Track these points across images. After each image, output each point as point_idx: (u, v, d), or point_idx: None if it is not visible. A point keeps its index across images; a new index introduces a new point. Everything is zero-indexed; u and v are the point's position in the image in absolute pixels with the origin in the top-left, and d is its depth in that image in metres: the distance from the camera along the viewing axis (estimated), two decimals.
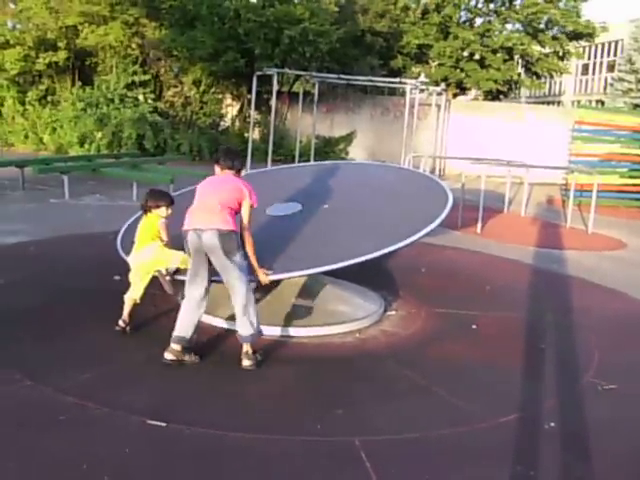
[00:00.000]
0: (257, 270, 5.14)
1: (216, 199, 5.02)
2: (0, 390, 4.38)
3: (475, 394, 4.81)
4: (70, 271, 7.42)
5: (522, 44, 26.52)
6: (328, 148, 23.67)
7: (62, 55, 22.42)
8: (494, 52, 27.04)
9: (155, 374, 4.81)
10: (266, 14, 20.74)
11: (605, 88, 39.89)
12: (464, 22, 28.24)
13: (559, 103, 43.51)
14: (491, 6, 27.80)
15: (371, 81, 21.09)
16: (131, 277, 5.60)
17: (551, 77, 32.53)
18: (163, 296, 5.76)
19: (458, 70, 27.45)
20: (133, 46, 22.52)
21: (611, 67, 41.47)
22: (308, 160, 21.36)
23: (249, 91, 23.81)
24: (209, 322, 5.75)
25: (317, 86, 21.23)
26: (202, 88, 23.63)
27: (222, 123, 24.99)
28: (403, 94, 26.35)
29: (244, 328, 4.99)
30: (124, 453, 3.67)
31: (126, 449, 3.71)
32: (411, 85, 19.82)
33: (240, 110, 24.91)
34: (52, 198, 12.51)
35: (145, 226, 5.57)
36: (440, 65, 27.81)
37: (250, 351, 4.99)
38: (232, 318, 5.23)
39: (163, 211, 5.55)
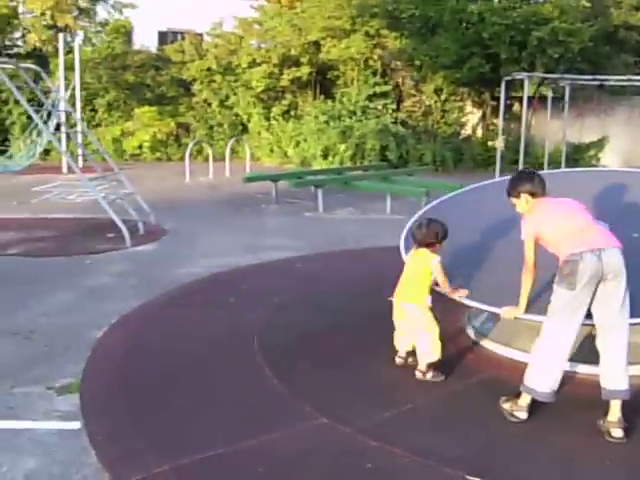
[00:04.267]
0: None
1: (585, 216, 4.27)
2: (298, 428, 4.04)
3: None
4: (342, 291, 7.11)
5: None
6: (577, 155, 22.12)
7: (305, 70, 22.93)
8: None
9: (462, 416, 4.25)
10: (512, 16, 19.76)
11: None
12: None
13: None
14: None
15: (630, 80, 19.37)
16: (395, 321, 4.97)
17: None
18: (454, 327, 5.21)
19: None
20: (374, 57, 22.51)
21: None
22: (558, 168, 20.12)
23: (492, 97, 22.98)
24: (508, 355, 5.12)
25: (568, 89, 19.87)
26: (443, 96, 23.10)
27: (462, 132, 24.29)
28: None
29: (622, 379, 4.05)
30: None
31: None
32: None
33: (482, 117, 24.06)
34: (306, 212, 12.55)
35: (412, 267, 4.87)
36: None
37: (620, 415, 4.02)
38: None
39: (437, 247, 4.81)
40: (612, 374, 4.05)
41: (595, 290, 4.02)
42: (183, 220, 11.40)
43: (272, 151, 23.27)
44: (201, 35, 26.03)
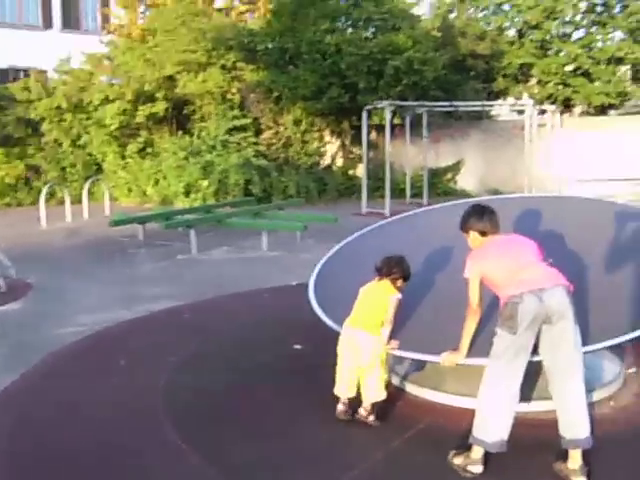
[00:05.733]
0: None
1: (530, 255, 4.02)
2: None
3: None
4: (240, 342, 6.55)
5: (632, 52, 25.07)
6: (436, 179, 22.64)
7: (161, 106, 22.15)
8: (602, 64, 25.64)
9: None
10: (368, 46, 20.02)
11: None
12: (564, 36, 26.93)
13: None
14: (592, 17, 26.46)
15: (485, 106, 20.08)
16: (340, 353, 4.57)
17: None
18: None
19: (564, 86, 26.12)
20: (232, 90, 22.10)
21: None
22: (419, 194, 20.41)
23: (351, 126, 23.14)
24: (438, 400, 4.80)
25: (425, 116, 20.31)
26: (303, 127, 23.00)
27: (322, 161, 24.29)
28: (490, 117, 25.40)
29: (582, 427, 3.79)
30: None
31: None
32: (528, 107, 18.66)
33: (342, 146, 24.17)
34: (179, 254, 11.85)
35: (372, 295, 4.55)
36: (544, 83, 26.51)
37: (581, 463, 3.73)
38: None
39: (400, 283, 4.58)
40: (570, 422, 3.79)
41: (539, 332, 3.77)
42: (48, 272, 10.43)
43: (130, 190, 22.26)
44: (46, 72, 24.69)
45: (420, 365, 5.08)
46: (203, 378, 5.53)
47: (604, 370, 5.30)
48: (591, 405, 4.39)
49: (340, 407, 4.52)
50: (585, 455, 3.75)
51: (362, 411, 4.43)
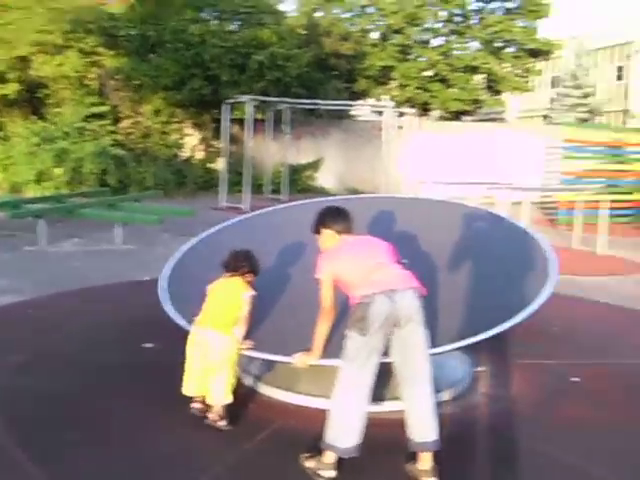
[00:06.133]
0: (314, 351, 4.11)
1: (383, 256, 3.99)
2: None
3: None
4: (88, 340, 6.19)
5: (487, 63, 26.23)
6: (296, 175, 22.77)
7: (12, 87, 21.01)
8: (459, 71, 26.66)
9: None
10: (233, 39, 19.84)
11: (550, 103, 40.03)
12: (424, 42, 27.81)
13: (503, 120, 43.36)
14: (451, 26, 27.46)
15: (346, 105, 20.35)
16: (189, 353, 4.39)
17: (514, 95, 32.39)
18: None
19: (422, 91, 26.95)
20: (91, 76, 21.26)
21: (553, 83, 41.67)
22: (279, 190, 20.44)
23: (212, 120, 22.83)
24: (291, 401, 4.73)
25: (288, 112, 20.36)
26: (163, 118, 22.46)
27: (182, 154, 23.83)
28: (351, 117, 25.91)
29: (430, 430, 3.79)
30: None
31: None
32: (388, 108, 19.06)
33: (202, 139, 23.81)
34: (26, 246, 11.24)
35: (222, 293, 4.40)
36: (404, 86, 27.26)
37: (431, 464, 3.75)
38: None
39: (250, 278, 4.48)
40: (418, 425, 3.79)
41: (390, 335, 3.76)
42: None
43: None
44: None
45: (273, 365, 4.99)
46: (44, 379, 5.18)
47: (453, 370, 5.41)
48: (441, 405, 4.46)
49: (195, 405, 4.36)
50: (436, 455, 3.78)
51: (212, 415, 4.28)
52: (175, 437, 4.22)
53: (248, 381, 5.00)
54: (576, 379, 5.56)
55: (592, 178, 18.48)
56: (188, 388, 4.36)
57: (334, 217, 4.12)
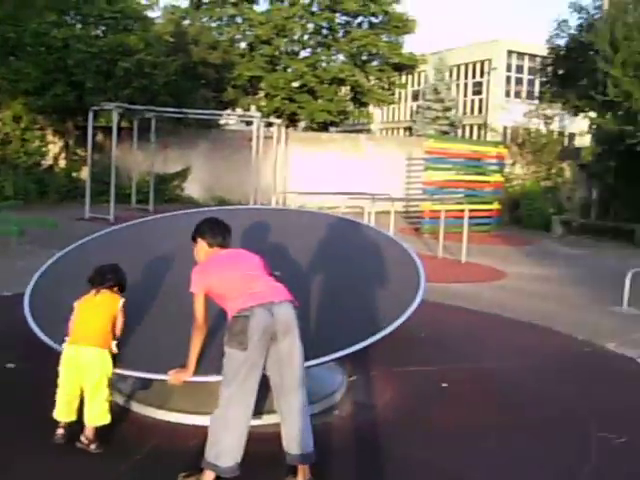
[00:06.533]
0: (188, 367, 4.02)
1: (258, 268, 3.97)
2: None
3: (510, 474, 4.12)
4: None
5: (353, 75, 26.79)
6: (163, 185, 22.35)
7: None
8: (326, 83, 27.09)
9: None
10: (98, 44, 19.26)
11: (411, 116, 41.42)
12: (292, 54, 28.08)
13: (368, 131, 44.50)
14: (318, 38, 27.86)
15: (214, 115, 20.18)
16: (62, 374, 4.14)
17: (379, 107, 33.24)
18: None
19: (290, 102, 27.19)
20: None
21: (415, 96, 43.11)
22: (146, 200, 19.99)
23: (76, 127, 22.07)
24: (165, 418, 4.61)
25: (154, 121, 19.97)
26: (23, 124, 21.48)
27: (43, 162, 22.87)
28: (219, 126, 25.81)
29: (306, 443, 3.78)
30: None
31: None
32: (256, 119, 19.07)
33: (65, 147, 22.96)
34: None
35: (92, 308, 4.21)
36: (272, 97, 27.40)
37: (310, 477, 3.77)
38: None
39: (116, 292, 4.34)
40: (294, 438, 3.78)
41: (268, 348, 3.74)
42: None
43: None
44: None
45: (145, 383, 4.85)
46: None
47: (327, 380, 5.45)
48: (316, 416, 4.50)
49: (60, 432, 4.13)
50: (313, 467, 3.79)
51: (84, 439, 4.08)
52: (42, 463, 4.00)
53: (120, 400, 4.83)
54: (445, 384, 5.75)
55: (453, 188, 19.24)
56: (59, 413, 4.15)
57: (211, 229, 4.09)
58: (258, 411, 4.11)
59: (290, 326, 3.75)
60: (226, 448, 3.65)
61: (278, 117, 25.92)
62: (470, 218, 14.40)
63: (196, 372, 4.01)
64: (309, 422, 3.85)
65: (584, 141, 28.14)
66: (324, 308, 4.96)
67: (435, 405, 5.31)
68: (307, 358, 3.97)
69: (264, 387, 3.88)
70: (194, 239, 4.12)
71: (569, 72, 22.83)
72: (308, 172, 21.76)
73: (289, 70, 27.31)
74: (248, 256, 4.07)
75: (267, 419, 4.38)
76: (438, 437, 4.67)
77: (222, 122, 26.65)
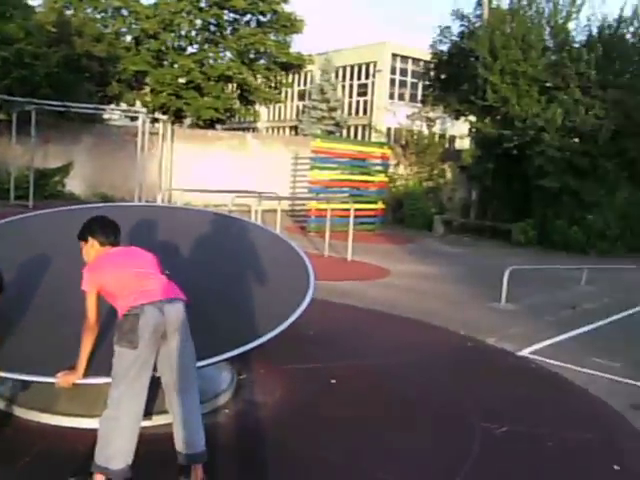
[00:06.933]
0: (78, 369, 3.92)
1: (150, 266, 3.91)
2: None
3: (399, 466, 4.27)
4: None
5: (240, 73, 26.68)
6: (43, 180, 21.57)
7: None
8: (213, 80, 26.86)
9: None
10: None
11: (297, 115, 41.71)
12: (179, 49, 27.67)
13: (255, 129, 44.51)
14: (206, 35, 27.58)
15: (98, 109, 19.64)
16: None
17: (266, 106, 33.25)
18: None
19: (176, 98, 26.80)
20: None
21: (302, 96, 43.43)
22: (25, 196, 19.26)
23: None
24: (51, 422, 4.49)
25: (34, 114, 19.24)
26: None
27: None
28: (103, 121, 25.14)
29: (198, 442, 3.78)
30: None
31: None
32: (142, 114, 18.72)
33: None
34: None
35: None
36: (158, 93, 26.91)
37: (202, 476, 3.76)
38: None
39: None
40: (185, 437, 3.77)
41: (159, 347, 3.71)
42: None
43: None
44: None
45: (28, 385, 4.69)
46: None
47: (216, 379, 5.44)
48: (207, 415, 4.49)
49: None
50: (206, 466, 3.80)
51: None
52: None
53: (0, 405, 4.66)
54: (333, 381, 5.85)
55: (338, 188, 19.54)
56: None
57: (102, 227, 4.01)
58: (148, 412, 4.08)
59: (181, 325, 3.73)
60: (117, 450, 3.59)
61: (164, 113, 25.53)
62: (355, 217, 14.66)
63: (86, 374, 3.92)
64: (201, 421, 3.85)
65: (464, 144, 29.19)
66: (215, 307, 4.96)
67: (324, 401, 5.40)
68: (198, 358, 3.96)
69: (153, 387, 3.85)
70: (84, 238, 4.02)
71: (451, 77, 23.57)
72: (194, 169, 21.55)
73: (176, 66, 26.90)
74: (141, 254, 4.02)
75: (157, 419, 4.34)
76: (327, 433, 4.76)
77: (106, 117, 25.97)
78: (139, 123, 18.50)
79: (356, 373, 6.15)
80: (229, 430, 4.69)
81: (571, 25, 19.84)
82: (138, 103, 26.31)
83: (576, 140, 18.38)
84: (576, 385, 6.33)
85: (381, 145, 22.45)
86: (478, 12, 22.59)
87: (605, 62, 18.02)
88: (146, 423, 4.01)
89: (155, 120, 21.70)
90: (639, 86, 17.96)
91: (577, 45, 19.20)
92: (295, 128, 40.06)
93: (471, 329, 8.15)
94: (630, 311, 10.23)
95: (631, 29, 19.28)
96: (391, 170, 23.08)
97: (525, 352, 7.41)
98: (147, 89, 27.83)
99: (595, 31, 19.29)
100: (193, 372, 3.84)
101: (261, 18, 28.25)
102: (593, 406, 5.82)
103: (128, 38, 27.38)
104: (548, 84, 18.64)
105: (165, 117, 21.69)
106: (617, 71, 18.20)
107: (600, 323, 9.21)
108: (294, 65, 29.48)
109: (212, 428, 4.35)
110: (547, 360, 7.10)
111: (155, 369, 3.75)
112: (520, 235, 18.83)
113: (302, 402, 5.38)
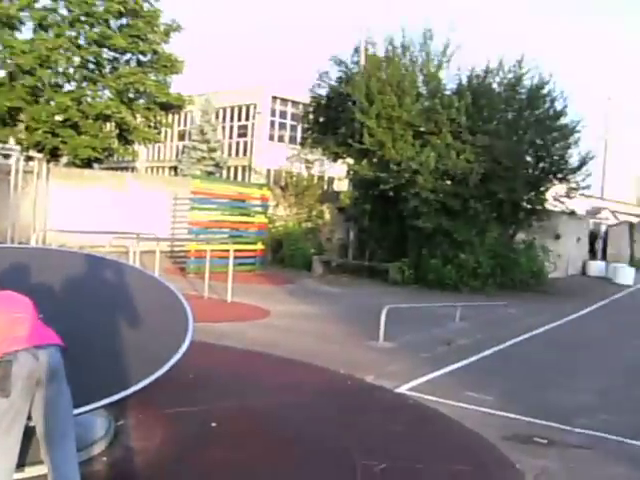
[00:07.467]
0: None
1: (24, 310, 3.79)
2: None
3: None
4: None
5: (119, 112, 26.31)
6: None
7: None
8: (91, 118, 26.34)
9: None
10: None
11: (177, 155, 41.48)
12: (56, 86, 26.96)
13: (134, 169, 43.82)
14: (84, 72, 27.04)
15: None
16: None
17: (145, 145, 32.83)
18: None
19: (52, 136, 26.08)
20: None
21: (181, 136, 43.24)
22: None
23: None
24: None
25: None
26: None
27: None
28: None
29: None
30: None
31: None
32: (15, 152, 18.13)
33: None
34: None
35: None
36: (33, 130, 26.09)
37: None
38: None
39: None
40: None
41: (33, 395, 3.59)
42: None
43: None
44: None
45: None
46: None
47: (93, 426, 5.31)
48: (84, 463, 4.39)
49: None
50: None
51: None
52: None
53: None
54: (214, 424, 5.85)
55: (218, 229, 19.55)
56: None
57: None
58: (21, 463, 3.96)
59: (56, 371, 3.65)
60: None
61: (39, 151, 24.78)
62: (235, 258, 14.71)
63: None
64: (77, 471, 3.77)
65: (343, 185, 29.79)
66: (91, 352, 4.87)
67: (205, 445, 5.40)
68: (75, 405, 3.89)
69: (27, 436, 3.75)
70: None
71: (329, 120, 24.10)
72: (70, 210, 20.91)
73: (52, 103, 26.17)
74: (16, 298, 3.92)
75: (31, 471, 4.21)
76: (208, 478, 4.75)
77: None
78: (12, 161, 17.88)
79: (236, 415, 6.18)
80: (108, 478, 4.60)
81: (443, 73, 20.86)
82: (12, 140, 25.43)
83: (448, 182, 19.20)
84: (452, 419, 6.59)
85: (260, 186, 22.66)
86: (355, 58, 23.29)
87: (474, 109, 19.02)
88: (18, 475, 3.90)
89: (30, 158, 21.00)
90: (505, 133, 19.03)
91: (448, 92, 20.16)
92: (175, 168, 39.74)
93: (350, 368, 8.32)
94: (501, 346, 10.76)
95: (497, 79, 20.47)
96: (270, 211, 23.27)
97: (403, 389, 7.65)
98: (22, 126, 26.92)
99: (465, 80, 20.33)
100: (70, 420, 3.76)
101: (141, 57, 28.04)
102: (467, 438, 6.07)
103: (2, 73, 26.47)
104: (422, 129, 19.42)
105: (40, 155, 21.05)
106: (485, 118, 19.23)
107: (473, 358, 9.62)
108: (174, 105, 29.36)
109: (89, 477, 4.27)
110: (424, 396, 7.35)
111: (29, 418, 3.66)
112: (397, 274, 19.38)
113: (182, 447, 5.34)
